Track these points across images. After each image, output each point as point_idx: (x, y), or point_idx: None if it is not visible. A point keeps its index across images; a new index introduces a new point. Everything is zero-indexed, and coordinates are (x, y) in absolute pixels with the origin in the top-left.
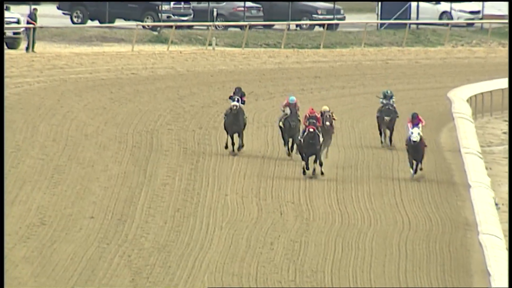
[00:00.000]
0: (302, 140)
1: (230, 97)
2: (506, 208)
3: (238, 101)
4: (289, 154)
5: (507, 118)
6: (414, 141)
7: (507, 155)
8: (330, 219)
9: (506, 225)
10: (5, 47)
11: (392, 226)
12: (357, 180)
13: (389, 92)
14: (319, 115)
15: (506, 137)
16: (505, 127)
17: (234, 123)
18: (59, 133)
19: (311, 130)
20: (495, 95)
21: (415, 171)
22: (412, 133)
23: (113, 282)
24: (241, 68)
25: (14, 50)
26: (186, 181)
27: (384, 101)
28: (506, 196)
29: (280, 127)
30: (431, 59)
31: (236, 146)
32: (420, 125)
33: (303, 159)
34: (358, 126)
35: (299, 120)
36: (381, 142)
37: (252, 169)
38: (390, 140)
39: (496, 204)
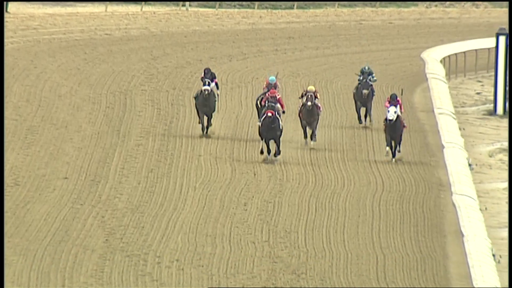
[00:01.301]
0: (261, 124)
1: (202, 79)
2: (479, 169)
3: (209, 84)
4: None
5: (480, 79)
6: (390, 120)
7: (480, 115)
8: (303, 180)
9: (480, 186)
10: None
11: (365, 186)
12: (330, 141)
13: (367, 68)
14: (279, 96)
15: (479, 97)
16: (479, 88)
17: (205, 105)
18: (32, 93)
19: (270, 114)
20: (469, 55)
21: (394, 154)
22: (388, 111)
23: (86, 243)
24: (215, 28)
25: None
26: (159, 141)
27: (361, 78)
28: (479, 156)
29: (257, 106)
30: (404, 19)
31: (206, 130)
32: (398, 106)
33: (262, 140)
34: (332, 87)
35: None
36: (359, 121)
37: (225, 130)
38: (367, 116)
39: (470, 165)
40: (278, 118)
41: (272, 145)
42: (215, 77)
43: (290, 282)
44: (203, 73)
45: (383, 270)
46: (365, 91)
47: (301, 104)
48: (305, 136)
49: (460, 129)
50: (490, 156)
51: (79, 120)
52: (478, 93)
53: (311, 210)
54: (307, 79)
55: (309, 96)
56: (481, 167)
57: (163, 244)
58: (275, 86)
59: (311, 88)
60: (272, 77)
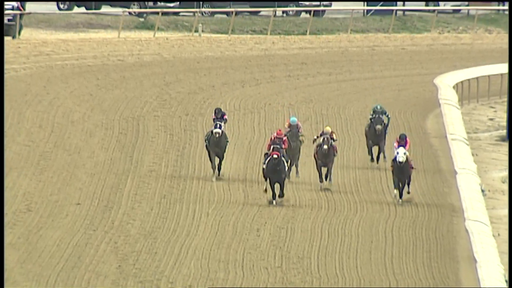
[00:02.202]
0: (266, 166)
1: (213, 120)
2: (492, 195)
3: (220, 127)
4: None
5: (493, 105)
6: (400, 162)
7: (493, 141)
8: (316, 205)
9: (493, 212)
10: None
11: (378, 212)
12: (343, 167)
13: (379, 107)
14: (285, 138)
15: (492, 123)
16: (491, 114)
17: (216, 145)
18: (45, 119)
19: (275, 156)
20: (482, 81)
21: (401, 195)
22: (397, 153)
23: (99, 269)
24: (228, 54)
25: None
26: (172, 167)
27: (374, 116)
28: (492, 182)
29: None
30: (417, 45)
31: (218, 171)
32: (406, 145)
33: (266, 180)
34: (345, 113)
35: (300, 141)
36: (371, 159)
37: (238, 156)
38: (379, 155)
39: (483, 191)
40: (283, 160)
41: (277, 188)
42: (224, 114)
43: None
44: (213, 114)
45: None
46: (378, 127)
47: (316, 145)
48: (321, 180)
49: (473, 155)
50: (503, 182)
51: (92, 146)
52: (491, 119)
53: (324, 235)
54: (320, 105)
55: (325, 138)
56: (494, 193)
57: (176, 270)
58: (296, 127)
59: (327, 129)
60: (293, 118)
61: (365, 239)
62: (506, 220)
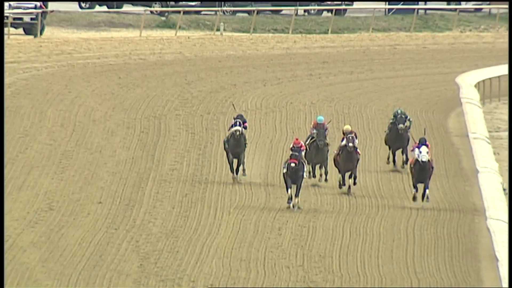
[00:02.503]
0: (286, 171)
1: (232, 126)
2: None
3: (240, 125)
4: (313, 176)
5: None
6: (423, 161)
7: None
8: (338, 204)
9: None
10: (23, 32)
11: (400, 211)
12: (365, 165)
13: (400, 111)
14: (303, 146)
15: None
16: None
17: (236, 145)
18: (66, 118)
19: (293, 165)
20: (503, 80)
21: (423, 197)
22: (420, 152)
23: (121, 268)
24: (249, 53)
25: (23, 36)
26: (194, 166)
27: (394, 120)
28: None
29: (306, 148)
30: (439, 44)
31: (239, 172)
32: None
33: (287, 188)
34: (366, 112)
35: (327, 143)
36: (388, 160)
37: (260, 155)
38: (406, 159)
39: (504, 190)
40: (302, 165)
41: (293, 190)
42: (245, 121)
43: None
44: (233, 119)
45: None
46: (401, 126)
47: (338, 148)
48: (343, 183)
49: (494, 153)
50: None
51: (114, 144)
52: None
53: (346, 234)
54: (341, 104)
55: (350, 137)
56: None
57: (197, 269)
58: (323, 126)
59: (347, 127)
60: (320, 117)
61: (386, 238)
62: None
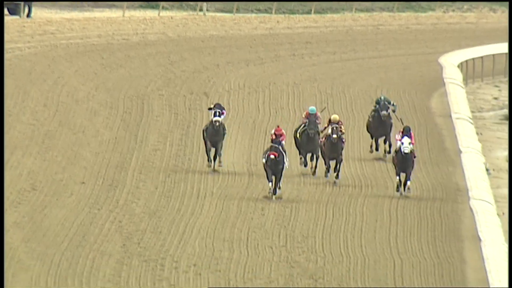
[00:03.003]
0: (265, 162)
1: (209, 108)
2: (497, 174)
3: (219, 115)
4: (304, 165)
5: (498, 84)
6: (405, 153)
7: (497, 120)
8: (320, 184)
9: (497, 191)
10: (7, 13)
11: (382, 191)
12: (347, 145)
13: (382, 97)
14: (283, 132)
15: (496, 102)
16: (496, 93)
17: (214, 134)
18: (50, 98)
19: (272, 157)
20: (486, 60)
21: (404, 186)
22: (403, 143)
23: (104, 248)
24: (232, 33)
25: (7, 16)
26: (177, 146)
27: (377, 107)
28: (497, 161)
29: (295, 138)
30: (422, 24)
31: (216, 162)
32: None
33: (268, 181)
34: (349, 92)
35: (318, 132)
36: (371, 148)
37: (243, 135)
38: (390, 146)
39: (487, 170)
40: (283, 157)
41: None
42: (223, 109)
43: (307, 286)
44: (213, 105)
45: (400, 275)
46: (384, 112)
47: (323, 136)
48: (328, 171)
49: (477, 134)
50: (508, 161)
51: (97, 125)
52: (495, 98)
53: (329, 215)
54: (324, 84)
55: (335, 128)
56: (499, 172)
57: (180, 249)
58: (316, 117)
59: (335, 117)
60: (313, 108)
61: (369, 218)
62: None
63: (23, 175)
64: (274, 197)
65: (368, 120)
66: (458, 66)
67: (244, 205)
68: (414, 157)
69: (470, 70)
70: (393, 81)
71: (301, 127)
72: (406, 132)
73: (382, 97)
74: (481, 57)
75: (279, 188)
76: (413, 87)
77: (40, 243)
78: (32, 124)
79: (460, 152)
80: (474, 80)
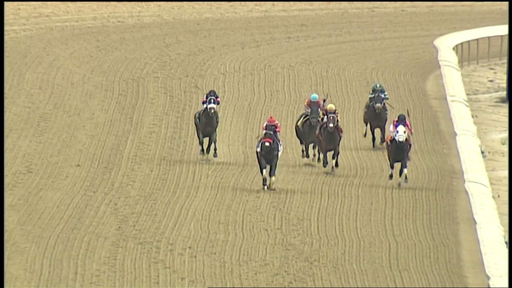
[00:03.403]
0: (260, 150)
1: (203, 102)
2: (492, 156)
3: (214, 102)
4: (307, 156)
5: (493, 66)
6: (400, 141)
7: (493, 103)
8: (316, 167)
9: (492, 173)
10: None
11: (378, 174)
12: (343, 127)
13: (378, 85)
14: (277, 123)
15: (491, 85)
16: (491, 75)
17: (208, 124)
18: (45, 81)
19: (267, 144)
20: (481, 43)
21: (400, 173)
22: (398, 131)
23: (99, 230)
24: (227, 16)
25: None
26: (172, 129)
27: (373, 95)
28: (492, 144)
29: (297, 128)
30: (417, 7)
31: (210, 152)
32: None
33: (261, 169)
34: (344, 74)
35: (318, 120)
36: (373, 144)
37: (238, 117)
38: (383, 138)
39: (482, 152)
40: (277, 145)
41: (267, 171)
42: (217, 97)
43: (302, 269)
44: (204, 96)
45: (395, 257)
46: (378, 105)
47: (320, 126)
48: (326, 162)
49: (472, 116)
50: (503, 144)
51: (92, 107)
52: (490, 81)
53: (324, 197)
54: (320, 66)
55: (331, 117)
56: (494, 155)
57: (175, 232)
58: (318, 105)
59: (331, 107)
60: (314, 95)
61: (365, 201)
62: (506, 181)
63: (18, 158)
64: (265, 187)
65: (364, 110)
66: (454, 49)
67: (240, 187)
68: (410, 145)
69: (465, 53)
70: (389, 63)
71: (303, 117)
72: (401, 120)
73: (378, 85)
74: (477, 40)
75: (274, 175)
76: (408, 70)
77: (35, 226)
78: (28, 107)
79: (456, 134)
80: (470, 63)
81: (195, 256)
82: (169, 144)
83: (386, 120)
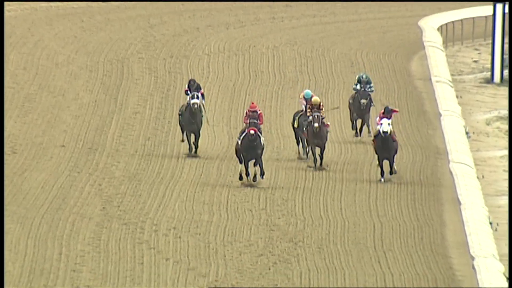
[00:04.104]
0: (240, 142)
1: (186, 92)
2: (476, 137)
3: (197, 98)
4: (304, 156)
5: (477, 47)
6: (384, 132)
7: (477, 83)
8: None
9: (477, 154)
10: None
11: (362, 154)
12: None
13: (364, 76)
14: (260, 111)
15: (476, 65)
16: (476, 56)
17: (192, 122)
18: (29, 61)
19: (252, 132)
20: (466, 23)
21: (383, 173)
22: (381, 124)
23: (84, 211)
24: None
25: None
26: (157, 110)
27: (359, 87)
28: (476, 125)
29: (293, 127)
30: None
31: (193, 149)
32: (391, 119)
33: (240, 163)
34: (329, 55)
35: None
36: (355, 134)
37: (223, 98)
38: (361, 131)
39: (467, 133)
40: (259, 136)
41: (251, 167)
42: (200, 88)
43: (287, 250)
44: (187, 85)
45: (380, 238)
46: (363, 101)
47: (306, 125)
48: (315, 160)
49: (457, 97)
50: (488, 124)
51: (76, 88)
52: (475, 61)
53: (308, 178)
54: (304, 47)
55: (316, 116)
56: (478, 135)
57: (160, 212)
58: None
59: (316, 100)
60: (308, 91)
61: (349, 182)
62: (490, 162)
63: (2, 139)
64: (248, 178)
65: (349, 101)
66: (438, 29)
67: (224, 168)
68: (395, 141)
69: (450, 33)
70: (373, 44)
71: (298, 116)
72: (387, 113)
73: (364, 76)
74: (461, 20)
75: (263, 174)
76: (393, 50)
77: (20, 206)
78: (12, 87)
79: (440, 115)
80: (454, 43)
81: (180, 237)
82: (153, 125)
83: (370, 111)
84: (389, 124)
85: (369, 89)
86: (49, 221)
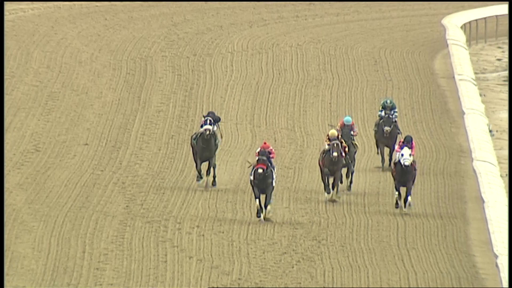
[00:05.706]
0: (253, 178)
1: (202, 126)
2: (500, 135)
3: (210, 123)
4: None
5: (501, 45)
6: (405, 165)
7: (501, 82)
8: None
9: (500, 152)
10: None
11: (386, 156)
12: (351, 106)
13: (389, 102)
14: (271, 148)
15: (500, 63)
16: (499, 54)
17: (205, 148)
18: (53, 59)
19: (260, 170)
20: (489, 22)
21: (405, 203)
22: (402, 154)
23: (107, 209)
24: None
25: None
26: (180, 108)
27: (383, 114)
28: (500, 123)
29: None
30: None
31: (209, 178)
32: (411, 149)
33: (256, 198)
34: (352, 53)
35: (354, 145)
36: (382, 164)
37: (246, 96)
38: (390, 159)
39: (491, 131)
40: (271, 172)
41: (263, 200)
42: (219, 120)
43: (310, 248)
44: (203, 118)
45: (403, 236)
46: (387, 129)
47: (322, 151)
48: (327, 190)
49: (480, 95)
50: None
51: (100, 86)
52: (498, 59)
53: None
54: (328, 45)
55: (335, 144)
56: (502, 133)
57: (183, 210)
58: (350, 128)
59: (333, 132)
60: (348, 118)
61: (372, 180)
62: None
63: (26, 137)
64: (262, 215)
65: (374, 129)
66: (461, 27)
67: (248, 166)
68: (415, 169)
69: (473, 31)
70: (397, 42)
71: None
72: (407, 142)
73: (388, 101)
74: (484, 18)
75: (270, 204)
76: (416, 49)
77: (43, 205)
78: (35, 86)
79: (463, 113)
80: (477, 41)
81: (203, 235)
82: (176, 123)
83: (396, 139)
84: (410, 154)
85: (393, 115)
86: (73, 219)
